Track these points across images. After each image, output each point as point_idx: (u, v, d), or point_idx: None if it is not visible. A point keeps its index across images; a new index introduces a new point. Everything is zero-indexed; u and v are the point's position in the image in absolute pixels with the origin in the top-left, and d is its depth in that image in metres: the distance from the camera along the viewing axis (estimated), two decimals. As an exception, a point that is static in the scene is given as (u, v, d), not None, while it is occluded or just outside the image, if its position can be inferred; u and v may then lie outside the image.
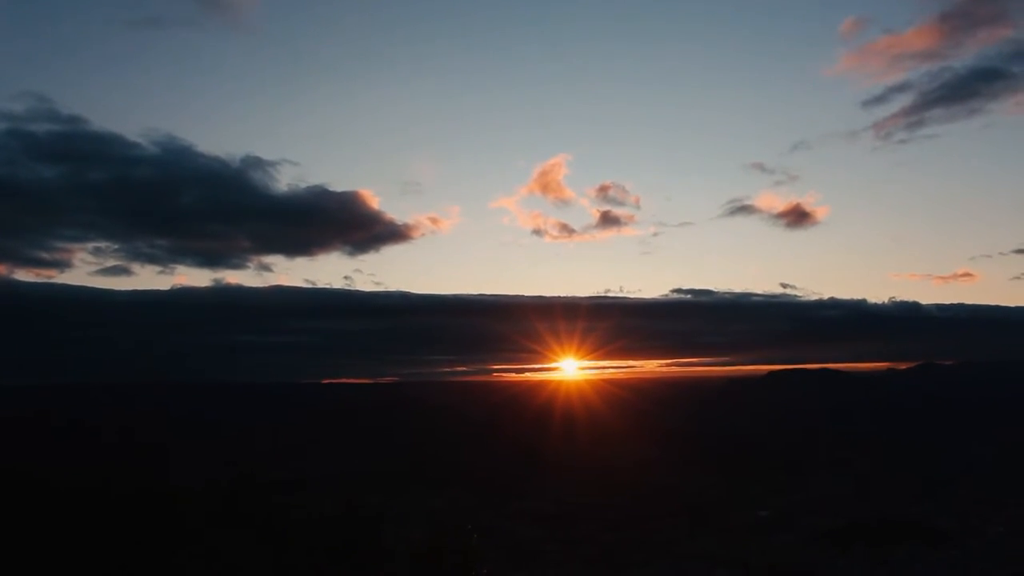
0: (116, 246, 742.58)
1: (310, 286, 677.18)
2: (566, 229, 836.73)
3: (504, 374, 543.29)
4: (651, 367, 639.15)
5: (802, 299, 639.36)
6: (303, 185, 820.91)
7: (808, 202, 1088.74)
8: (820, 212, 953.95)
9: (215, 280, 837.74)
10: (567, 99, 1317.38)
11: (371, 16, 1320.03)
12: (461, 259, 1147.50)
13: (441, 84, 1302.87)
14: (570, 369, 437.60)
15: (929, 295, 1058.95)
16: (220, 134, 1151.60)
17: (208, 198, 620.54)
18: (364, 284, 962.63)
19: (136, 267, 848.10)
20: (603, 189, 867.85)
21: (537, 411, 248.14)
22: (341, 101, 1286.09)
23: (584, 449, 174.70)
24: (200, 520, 26.96)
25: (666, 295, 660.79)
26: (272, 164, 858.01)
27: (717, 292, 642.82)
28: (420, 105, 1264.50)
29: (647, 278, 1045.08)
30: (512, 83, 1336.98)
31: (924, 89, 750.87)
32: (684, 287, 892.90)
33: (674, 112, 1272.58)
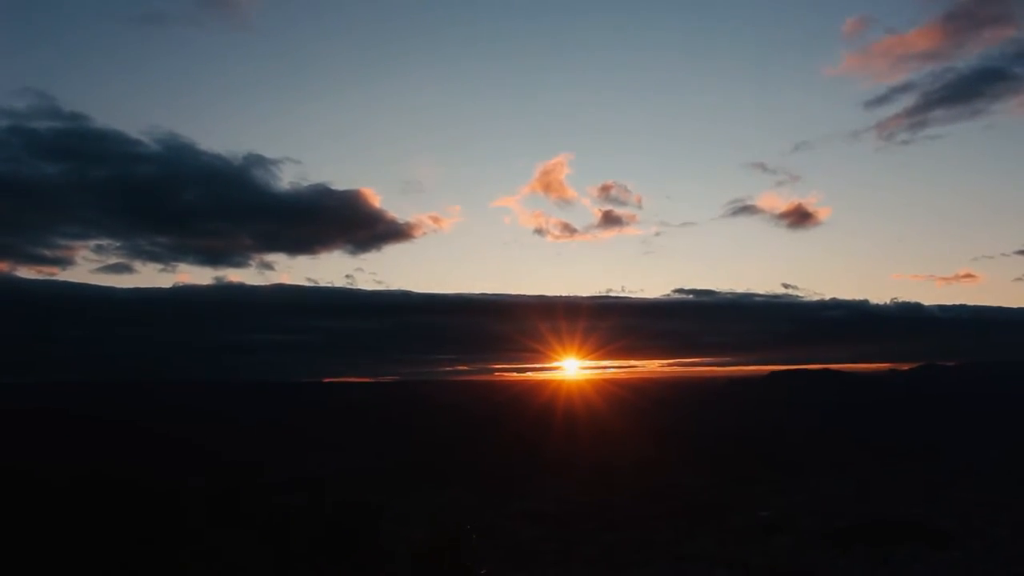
0: (118, 244, 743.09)
1: (312, 285, 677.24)
2: (568, 229, 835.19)
3: (506, 373, 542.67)
4: (653, 367, 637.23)
5: (804, 299, 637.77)
6: (305, 183, 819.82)
7: (810, 202, 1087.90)
8: (822, 213, 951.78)
9: (217, 278, 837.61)
10: (569, 98, 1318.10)
11: (374, 15, 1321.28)
12: (463, 258, 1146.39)
13: (443, 83, 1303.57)
14: (572, 369, 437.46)
15: (931, 296, 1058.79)
16: (222, 132, 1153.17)
17: (210, 196, 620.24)
18: (366, 283, 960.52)
19: (138, 265, 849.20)
20: (605, 189, 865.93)
21: (538, 411, 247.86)
22: (343, 100, 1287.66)
23: (585, 449, 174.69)
24: (201, 519, 27.09)
25: (668, 295, 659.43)
26: (274, 162, 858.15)
27: (719, 292, 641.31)
28: (422, 104, 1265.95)
29: (649, 278, 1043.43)
30: (514, 82, 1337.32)
31: (927, 90, 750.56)
32: (686, 287, 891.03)
33: (676, 112, 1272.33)
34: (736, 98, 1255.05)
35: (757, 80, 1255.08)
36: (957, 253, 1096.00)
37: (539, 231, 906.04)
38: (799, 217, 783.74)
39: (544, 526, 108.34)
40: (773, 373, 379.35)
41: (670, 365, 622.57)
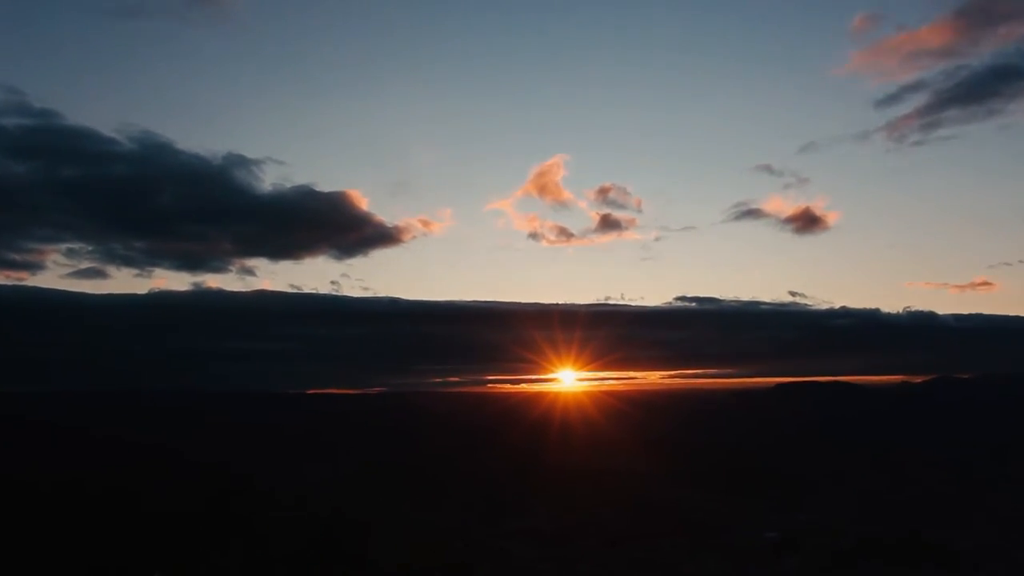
0: (91, 247, 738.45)
1: (295, 291, 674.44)
2: (564, 233, 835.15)
3: (499, 385, 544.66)
4: (653, 378, 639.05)
5: (812, 308, 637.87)
6: (288, 185, 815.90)
7: (818, 206, 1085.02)
8: (831, 217, 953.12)
9: (195, 284, 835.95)
10: (565, 97, 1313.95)
11: (362, 11, 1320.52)
12: (454, 264, 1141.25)
13: (434, 81, 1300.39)
14: (568, 380, 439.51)
15: (945, 304, 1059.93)
16: (201, 130, 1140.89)
17: (188, 198, 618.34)
18: (352, 289, 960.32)
19: (112, 269, 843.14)
20: (603, 191, 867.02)
21: (533, 424, 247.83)
22: (329, 97, 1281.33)
23: (582, 463, 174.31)
24: (184, 530, 26.69)
25: (669, 303, 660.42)
26: (256, 163, 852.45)
27: (723, 300, 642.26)
28: (412, 103, 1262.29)
29: (649, 285, 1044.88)
30: (508, 80, 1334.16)
31: (939, 88, 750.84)
32: (688, 294, 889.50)
33: (678, 112, 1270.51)
34: (740, 97, 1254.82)
35: (762, 79, 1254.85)
36: (973, 260, 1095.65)
37: (534, 235, 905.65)
38: (807, 221, 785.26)
39: (540, 544, 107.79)
40: (780, 385, 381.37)
41: (671, 376, 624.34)
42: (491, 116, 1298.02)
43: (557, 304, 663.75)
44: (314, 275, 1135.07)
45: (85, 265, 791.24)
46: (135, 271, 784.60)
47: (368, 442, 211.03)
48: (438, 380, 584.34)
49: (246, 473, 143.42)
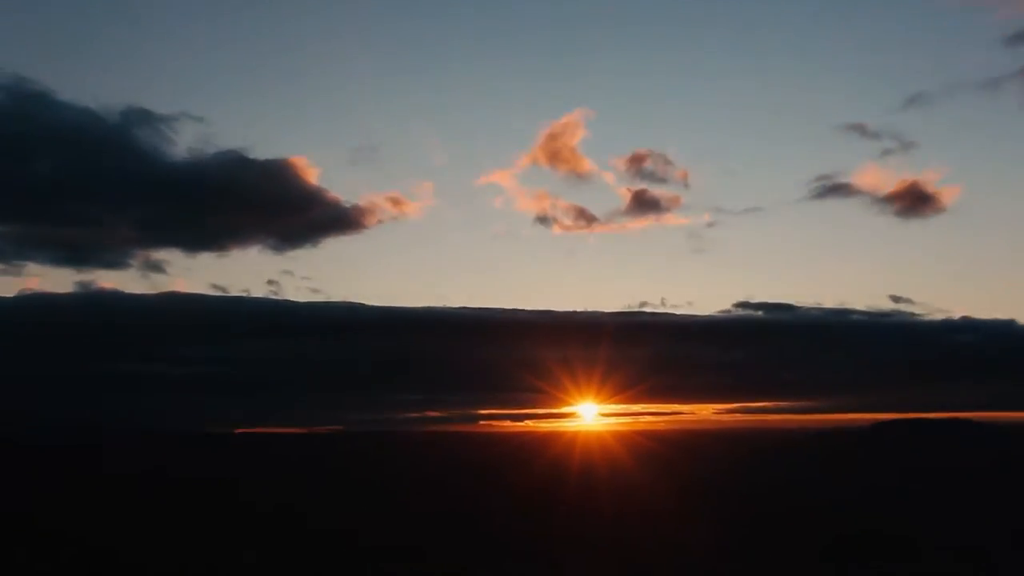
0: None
1: (219, 294, 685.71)
2: (584, 216, 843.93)
3: (496, 422, 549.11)
4: (705, 414, 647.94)
5: (922, 318, 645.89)
6: (211, 150, 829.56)
7: (930, 180, 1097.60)
8: (947, 194, 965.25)
9: (81, 284, 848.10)
10: (586, 34, 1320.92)
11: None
12: (435, 257, 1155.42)
13: (408, 13, 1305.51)
14: (590, 416, 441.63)
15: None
16: (93, 77, 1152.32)
17: (74, 167, 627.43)
18: (297, 292, 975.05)
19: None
20: (636, 159, 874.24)
21: (543, 474, 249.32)
22: (266, 33, 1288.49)
23: (608, 527, 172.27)
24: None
25: (727, 311, 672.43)
26: (166, 120, 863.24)
27: (800, 307, 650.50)
28: (378, 43, 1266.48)
29: (700, 286, 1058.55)
30: (510, 12, 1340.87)
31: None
32: (752, 299, 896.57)
33: (737, 54, 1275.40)
34: (823, 36, 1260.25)
35: (853, 10, 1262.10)
36: None
37: (543, 219, 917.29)
38: (914, 200, 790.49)
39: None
40: (878, 424, 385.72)
41: (730, 411, 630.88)
42: (487, 59, 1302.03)
43: (575, 312, 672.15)
44: (245, 272, 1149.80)
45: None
46: (1, 266, 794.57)
47: (318, 499, 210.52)
48: (413, 415, 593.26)
49: (152, 546, 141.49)
